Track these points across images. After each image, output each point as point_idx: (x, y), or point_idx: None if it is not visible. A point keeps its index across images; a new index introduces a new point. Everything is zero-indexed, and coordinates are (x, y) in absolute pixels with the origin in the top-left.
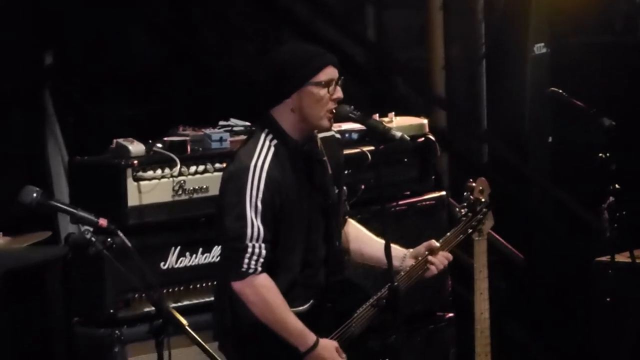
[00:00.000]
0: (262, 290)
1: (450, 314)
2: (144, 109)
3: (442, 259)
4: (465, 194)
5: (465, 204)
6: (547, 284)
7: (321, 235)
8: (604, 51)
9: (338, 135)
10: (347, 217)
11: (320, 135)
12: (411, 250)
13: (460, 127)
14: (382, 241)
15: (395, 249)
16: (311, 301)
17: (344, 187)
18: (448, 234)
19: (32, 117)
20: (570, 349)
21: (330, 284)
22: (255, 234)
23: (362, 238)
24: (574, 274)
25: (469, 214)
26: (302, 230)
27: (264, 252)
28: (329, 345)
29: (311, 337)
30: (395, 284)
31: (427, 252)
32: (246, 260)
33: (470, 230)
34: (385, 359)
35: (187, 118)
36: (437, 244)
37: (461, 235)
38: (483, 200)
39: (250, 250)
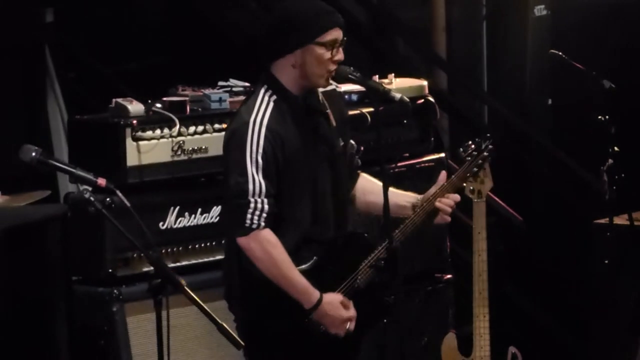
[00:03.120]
0: (267, 246)
1: (449, 275)
2: (144, 64)
3: (449, 202)
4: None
5: (469, 143)
6: (546, 246)
7: (329, 187)
8: (605, 12)
9: (340, 89)
10: (359, 171)
11: (322, 89)
12: (422, 196)
13: (461, 89)
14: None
15: (408, 195)
16: (315, 258)
17: (352, 141)
18: (453, 177)
19: (32, 75)
20: (568, 310)
21: (335, 239)
22: (257, 189)
23: (368, 188)
24: (573, 236)
25: (474, 153)
26: (308, 182)
27: (267, 207)
28: (333, 300)
29: (315, 294)
30: (393, 244)
31: (432, 196)
32: (249, 216)
33: (475, 170)
34: (384, 319)
35: (188, 75)
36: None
37: (468, 174)
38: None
39: (252, 205)
